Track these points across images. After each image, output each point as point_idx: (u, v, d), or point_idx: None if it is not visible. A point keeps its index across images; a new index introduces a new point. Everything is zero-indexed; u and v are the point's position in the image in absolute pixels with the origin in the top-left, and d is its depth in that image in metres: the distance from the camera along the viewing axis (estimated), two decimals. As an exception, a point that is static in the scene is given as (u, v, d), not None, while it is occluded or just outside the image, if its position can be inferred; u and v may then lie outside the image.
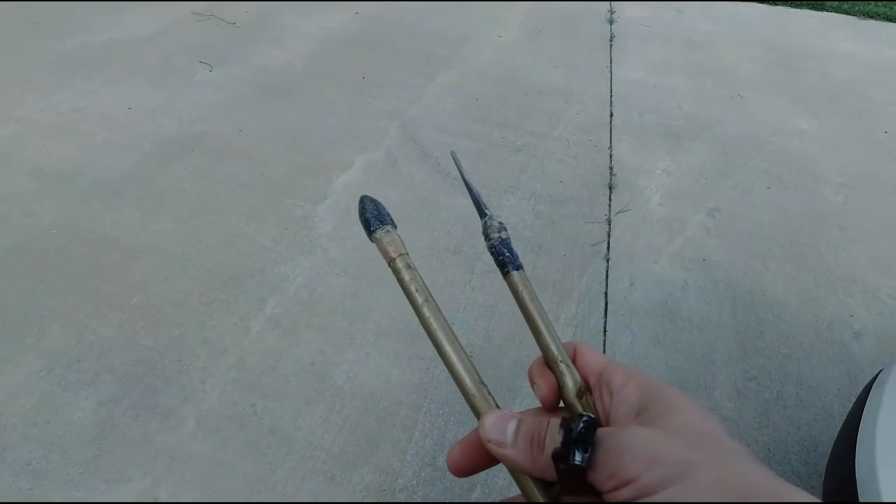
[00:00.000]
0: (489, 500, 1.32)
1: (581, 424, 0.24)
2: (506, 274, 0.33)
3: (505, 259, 0.33)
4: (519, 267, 0.33)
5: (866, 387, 1.04)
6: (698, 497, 0.21)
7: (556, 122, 2.84)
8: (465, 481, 1.35)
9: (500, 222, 0.34)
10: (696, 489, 0.21)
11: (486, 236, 0.34)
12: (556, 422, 0.26)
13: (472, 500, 1.32)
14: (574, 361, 0.31)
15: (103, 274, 1.81)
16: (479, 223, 0.37)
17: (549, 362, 0.32)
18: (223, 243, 1.96)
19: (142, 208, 2.09)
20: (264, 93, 2.92)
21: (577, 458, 0.23)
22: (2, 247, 1.88)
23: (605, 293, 1.87)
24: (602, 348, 1.69)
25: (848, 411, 1.56)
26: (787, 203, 2.37)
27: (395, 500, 1.31)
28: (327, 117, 2.75)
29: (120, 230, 1.99)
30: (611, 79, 3.32)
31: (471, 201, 0.37)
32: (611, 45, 3.78)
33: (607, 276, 1.94)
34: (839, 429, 1.11)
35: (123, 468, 1.33)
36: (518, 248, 2.01)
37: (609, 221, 2.20)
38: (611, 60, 3.56)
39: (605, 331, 1.75)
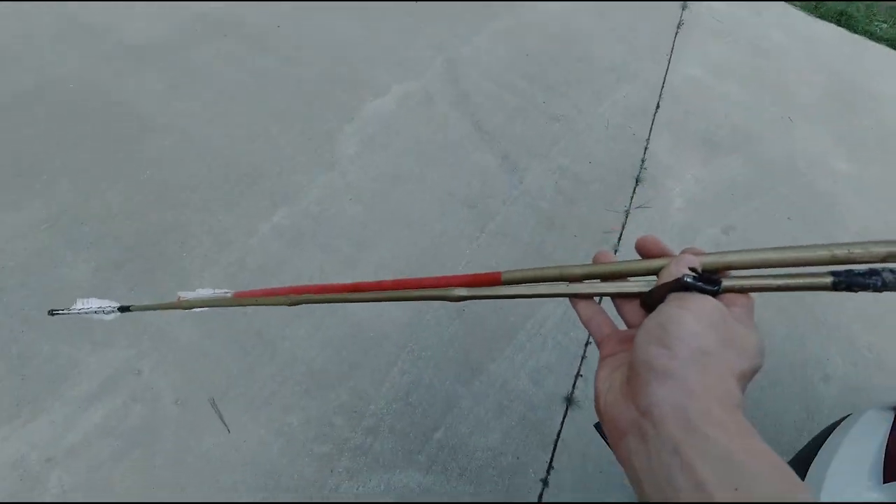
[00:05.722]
0: (452, 442, 1.40)
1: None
2: None
3: None
4: None
5: (828, 427, 1.09)
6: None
7: (601, 99, 2.74)
8: (430, 421, 1.41)
9: None
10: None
11: None
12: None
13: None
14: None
15: (117, 140, 1.77)
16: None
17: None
18: (245, 137, 1.92)
19: (166, 81, 2.01)
20: (311, -10, 2.74)
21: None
22: (17, 88, 1.81)
23: (605, 282, 1.89)
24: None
25: (797, 444, 1.66)
26: (802, 239, 2.36)
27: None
28: (372, 34, 2.61)
29: (140, 99, 1.92)
30: (667, 68, 3.18)
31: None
32: (677, 32, 3.58)
33: (611, 266, 1.95)
34: (790, 457, 1.17)
35: (110, 334, 1.37)
36: (531, 219, 2.01)
37: (627, 213, 2.18)
38: (672, 49, 3.39)
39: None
